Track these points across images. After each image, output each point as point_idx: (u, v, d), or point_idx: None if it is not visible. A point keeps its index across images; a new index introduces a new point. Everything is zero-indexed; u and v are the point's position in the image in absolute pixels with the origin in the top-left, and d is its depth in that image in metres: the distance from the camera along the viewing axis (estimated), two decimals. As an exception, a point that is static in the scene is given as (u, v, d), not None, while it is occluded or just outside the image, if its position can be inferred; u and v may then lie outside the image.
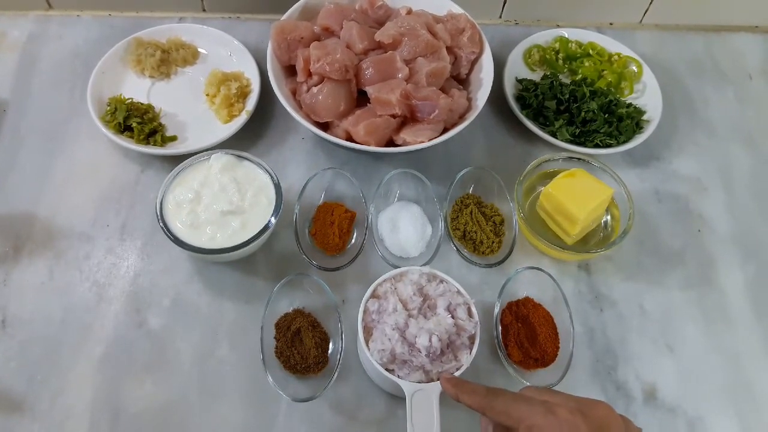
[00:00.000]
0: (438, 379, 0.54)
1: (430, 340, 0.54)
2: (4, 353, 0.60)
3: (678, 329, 0.67)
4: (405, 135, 0.67)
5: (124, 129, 0.72)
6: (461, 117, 0.70)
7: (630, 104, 0.79)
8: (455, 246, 0.68)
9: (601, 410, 0.43)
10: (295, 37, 0.71)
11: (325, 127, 0.70)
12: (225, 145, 0.70)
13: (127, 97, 0.74)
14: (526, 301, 0.64)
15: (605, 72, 0.83)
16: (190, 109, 0.76)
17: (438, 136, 0.67)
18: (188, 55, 0.80)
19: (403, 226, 0.67)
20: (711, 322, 0.67)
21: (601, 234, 0.70)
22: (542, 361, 0.61)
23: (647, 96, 0.81)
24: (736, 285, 0.70)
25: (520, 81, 0.81)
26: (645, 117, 0.79)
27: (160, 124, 0.74)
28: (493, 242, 0.68)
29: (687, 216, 0.75)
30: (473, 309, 0.58)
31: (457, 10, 0.76)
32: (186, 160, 0.64)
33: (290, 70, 0.73)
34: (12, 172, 0.71)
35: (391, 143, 0.68)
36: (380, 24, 0.73)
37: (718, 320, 0.68)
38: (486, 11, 0.89)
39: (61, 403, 0.58)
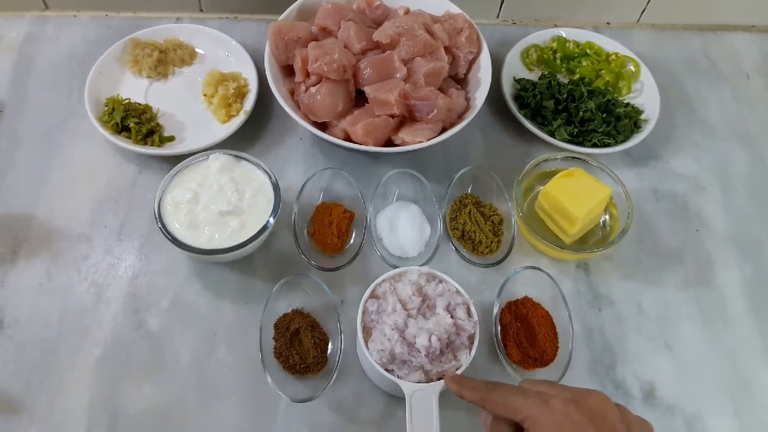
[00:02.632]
0: (438, 379, 0.54)
1: (429, 340, 0.54)
2: (1, 355, 0.60)
3: (676, 328, 0.67)
4: (403, 135, 0.67)
5: (121, 129, 0.72)
6: (459, 117, 0.70)
7: (628, 104, 0.79)
8: (454, 246, 0.68)
9: (595, 399, 0.44)
10: (293, 38, 0.71)
11: (323, 127, 0.70)
12: (223, 145, 0.70)
13: (124, 98, 0.74)
14: (525, 301, 0.64)
15: (603, 71, 0.83)
16: (187, 109, 0.76)
17: (436, 136, 0.67)
18: (185, 56, 0.80)
19: (402, 226, 0.67)
20: (709, 321, 0.68)
21: (600, 233, 0.70)
22: (541, 360, 0.61)
23: (645, 95, 0.82)
24: (733, 284, 0.70)
25: (518, 81, 0.81)
26: (643, 116, 0.79)
27: (158, 125, 0.74)
28: (491, 242, 0.68)
29: (685, 215, 0.75)
30: (472, 309, 0.58)
31: (454, 10, 0.76)
32: (184, 161, 0.64)
33: (288, 70, 0.73)
34: (9, 173, 0.71)
35: (389, 143, 0.68)
36: (378, 24, 0.73)
37: (715, 319, 0.68)
38: (483, 11, 0.89)
39: (59, 405, 0.58)
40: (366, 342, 0.56)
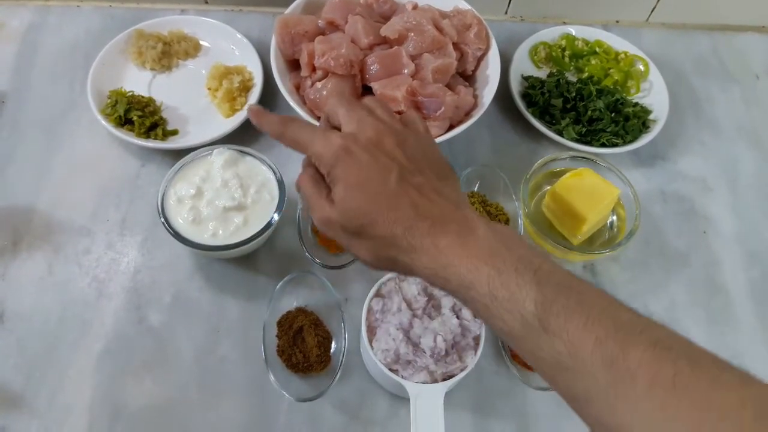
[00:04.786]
0: (443, 380, 0.54)
1: (434, 341, 0.54)
2: (2, 349, 0.59)
3: (682, 331, 0.64)
4: (410, 132, 0.66)
5: (124, 122, 0.71)
6: (467, 114, 0.70)
7: (636, 103, 0.78)
8: (459, 245, 0.67)
9: (372, 130, 0.42)
10: (299, 31, 0.70)
11: (329, 122, 0.69)
12: (227, 139, 0.69)
13: (127, 90, 0.73)
14: (532, 302, 0.64)
15: (612, 70, 0.82)
16: (191, 102, 0.75)
17: (443, 134, 0.66)
18: (190, 48, 0.79)
19: (407, 224, 0.66)
20: (715, 324, 0.67)
21: (607, 235, 0.70)
22: (547, 362, 0.60)
23: (654, 95, 0.81)
24: (740, 287, 0.70)
25: (526, 78, 0.80)
26: (651, 116, 0.78)
27: (161, 118, 0.73)
28: (498, 241, 0.67)
29: (692, 217, 0.74)
30: (478, 309, 0.58)
31: (463, 5, 0.75)
32: (188, 155, 0.63)
33: (294, 65, 0.72)
34: (11, 165, 0.70)
35: (396, 140, 0.67)
36: (386, 19, 0.72)
37: (722, 322, 0.67)
38: (492, 7, 0.88)
39: (59, 400, 0.57)
40: (370, 341, 0.56)
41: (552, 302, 0.35)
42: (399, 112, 0.65)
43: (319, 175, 0.43)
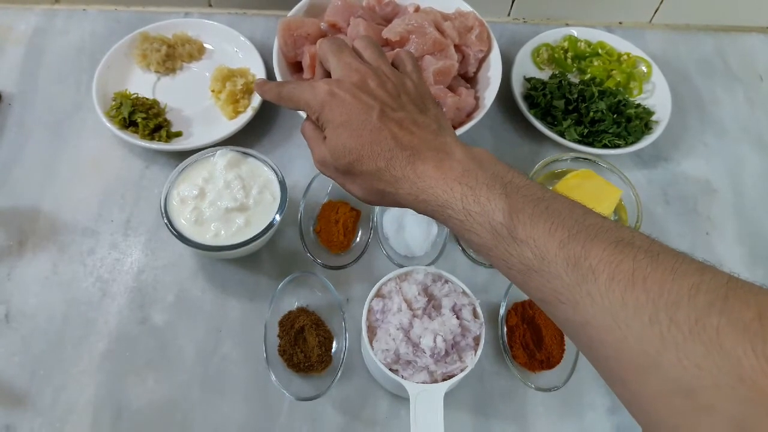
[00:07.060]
0: (443, 380, 0.54)
1: (434, 341, 0.54)
2: (7, 347, 0.60)
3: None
4: (411, 133, 0.66)
5: (129, 124, 0.71)
6: (469, 116, 0.70)
7: (639, 104, 0.78)
8: (461, 246, 0.67)
9: (357, 76, 0.44)
10: (302, 34, 0.71)
11: (331, 124, 0.69)
12: (230, 141, 0.70)
13: (132, 92, 0.74)
14: (533, 303, 0.64)
15: (614, 72, 0.82)
16: (195, 104, 0.76)
17: (445, 135, 0.66)
18: (194, 51, 0.80)
19: (409, 225, 0.67)
20: (718, 326, 0.67)
21: (608, 235, 0.69)
22: (547, 363, 0.60)
23: (656, 96, 0.81)
24: (744, 288, 0.70)
25: (528, 80, 0.80)
26: (654, 117, 0.78)
27: (165, 120, 0.74)
28: (499, 242, 0.67)
29: (695, 218, 0.74)
30: (478, 310, 0.58)
31: (465, 7, 0.76)
32: (191, 157, 0.64)
33: (297, 67, 0.73)
34: (17, 166, 0.71)
35: (397, 141, 0.68)
36: (388, 21, 0.73)
37: (725, 324, 0.67)
38: (494, 9, 0.88)
39: (63, 399, 0.58)
40: (371, 341, 0.56)
41: (519, 211, 0.37)
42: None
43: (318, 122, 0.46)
